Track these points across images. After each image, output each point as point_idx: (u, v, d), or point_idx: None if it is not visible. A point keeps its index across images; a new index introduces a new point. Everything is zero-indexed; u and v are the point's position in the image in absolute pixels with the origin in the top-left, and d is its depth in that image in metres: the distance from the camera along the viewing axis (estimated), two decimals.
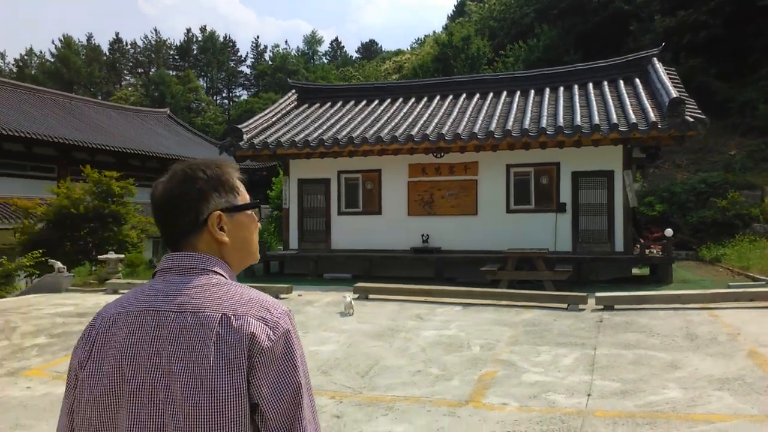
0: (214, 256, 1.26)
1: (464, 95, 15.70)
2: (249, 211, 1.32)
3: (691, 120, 11.48)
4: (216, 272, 1.23)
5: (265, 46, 79.21)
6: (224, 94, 72.45)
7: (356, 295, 10.37)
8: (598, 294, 9.21)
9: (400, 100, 16.30)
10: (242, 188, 1.33)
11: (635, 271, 13.95)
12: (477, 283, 11.30)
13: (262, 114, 16.26)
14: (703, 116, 11.64)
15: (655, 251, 13.23)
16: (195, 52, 70.13)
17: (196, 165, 1.29)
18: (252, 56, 73.72)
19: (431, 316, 8.83)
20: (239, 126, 14.73)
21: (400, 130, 13.58)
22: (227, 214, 1.27)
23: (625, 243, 12.71)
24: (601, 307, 9.09)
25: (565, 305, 9.26)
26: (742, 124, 22.99)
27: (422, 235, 13.74)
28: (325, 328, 8.11)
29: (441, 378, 5.79)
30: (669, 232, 12.17)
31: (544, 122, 12.63)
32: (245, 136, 14.40)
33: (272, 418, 1.12)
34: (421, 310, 9.22)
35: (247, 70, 72.57)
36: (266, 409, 1.11)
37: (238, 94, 71.94)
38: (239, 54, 73.17)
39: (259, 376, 1.11)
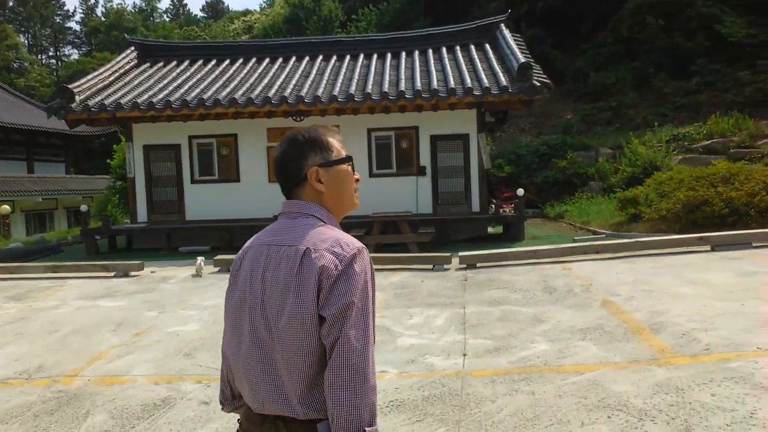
0: (314, 203, 1.56)
1: (321, 57, 15.25)
2: (345, 165, 1.58)
3: (538, 84, 12.06)
4: (313, 216, 1.53)
5: (96, 1, 71.91)
6: (51, 53, 65.10)
7: (217, 269, 9.76)
8: (461, 253, 9.45)
9: (254, 60, 15.48)
10: (337, 146, 1.59)
11: (490, 229, 14.65)
12: None
13: (97, 73, 14.61)
14: (548, 81, 12.28)
15: (507, 210, 13.95)
16: (11, 4, 61.91)
17: (298, 131, 1.59)
18: (81, 11, 66.83)
19: None
20: (70, 86, 13.11)
21: (256, 92, 12.88)
22: (323, 168, 1.55)
23: (481, 203, 13.23)
24: (465, 266, 9.34)
25: (431, 266, 9.41)
26: (575, 90, 24.91)
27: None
28: (185, 306, 7.49)
29: None
30: (520, 191, 12.83)
31: (402, 86, 12.62)
32: (78, 98, 12.85)
33: (326, 328, 1.39)
34: None
35: (77, 27, 65.69)
36: (327, 320, 1.39)
37: (67, 53, 65.03)
38: (66, 8, 66.07)
39: (324, 294, 1.40)
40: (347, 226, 12.00)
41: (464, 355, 5.15)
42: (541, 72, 12.84)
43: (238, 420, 1.60)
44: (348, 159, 1.59)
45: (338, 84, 13.09)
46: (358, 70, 14.09)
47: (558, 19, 26.54)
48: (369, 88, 12.62)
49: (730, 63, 21.88)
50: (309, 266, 1.41)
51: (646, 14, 23.42)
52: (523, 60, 12.50)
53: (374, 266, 1.55)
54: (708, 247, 9.25)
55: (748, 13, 22.67)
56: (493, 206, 13.47)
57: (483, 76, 12.76)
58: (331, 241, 1.45)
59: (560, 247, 9.43)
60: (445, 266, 9.38)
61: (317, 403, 1.42)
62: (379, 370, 4.86)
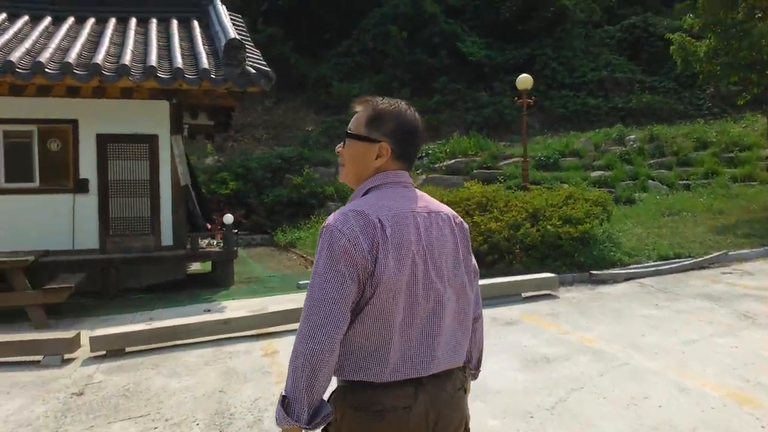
0: None
1: None
2: None
3: (253, 71, 8.70)
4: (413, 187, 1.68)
5: None
6: None
7: None
8: (94, 333, 5.47)
9: None
10: None
11: (197, 266, 10.86)
12: None
13: None
14: (268, 69, 8.98)
15: (217, 241, 10.31)
16: None
17: None
18: None
19: None
20: None
21: None
22: None
23: (175, 234, 9.31)
24: (103, 353, 5.42)
25: (40, 358, 5.30)
26: (317, 100, 22.41)
27: None
28: None
29: None
30: (229, 218, 9.25)
31: (46, 55, 8.21)
32: None
33: (475, 271, 1.73)
34: None
35: None
36: (475, 269, 1.74)
37: None
38: None
39: (470, 249, 1.72)
40: None
41: None
42: (261, 58, 9.52)
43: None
44: None
45: None
46: None
47: (300, 21, 23.93)
48: None
49: (470, 83, 21.36)
50: (464, 229, 1.69)
51: (390, 25, 21.94)
52: (233, 36, 9.03)
53: None
54: None
55: (486, 35, 22.57)
56: (190, 239, 9.62)
57: (178, 56, 8.98)
58: (452, 211, 1.71)
59: (264, 312, 6.01)
60: (66, 356, 5.35)
61: None
62: None
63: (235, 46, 8.75)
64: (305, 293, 1.59)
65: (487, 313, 6.25)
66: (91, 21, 10.47)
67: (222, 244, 9.47)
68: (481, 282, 7.02)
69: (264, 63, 9.25)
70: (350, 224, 1.46)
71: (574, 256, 7.72)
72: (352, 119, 1.67)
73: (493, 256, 7.80)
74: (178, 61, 8.74)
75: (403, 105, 1.65)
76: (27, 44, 8.72)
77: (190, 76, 8.44)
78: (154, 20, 10.87)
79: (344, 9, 24.24)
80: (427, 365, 1.50)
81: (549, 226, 7.79)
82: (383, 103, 1.64)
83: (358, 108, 1.66)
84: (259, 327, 5.89)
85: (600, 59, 22.33)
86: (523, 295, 6.91)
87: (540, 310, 6.34)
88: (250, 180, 15.71)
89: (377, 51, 22.57)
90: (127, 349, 5.48)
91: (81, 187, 8.86)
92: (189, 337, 5.68)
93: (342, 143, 1.67)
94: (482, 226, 7.94)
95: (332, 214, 1.52)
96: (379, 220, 1.48)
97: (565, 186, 12.27)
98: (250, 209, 15.08)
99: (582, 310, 6.30)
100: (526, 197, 8.66)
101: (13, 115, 8.66)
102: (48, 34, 9.61)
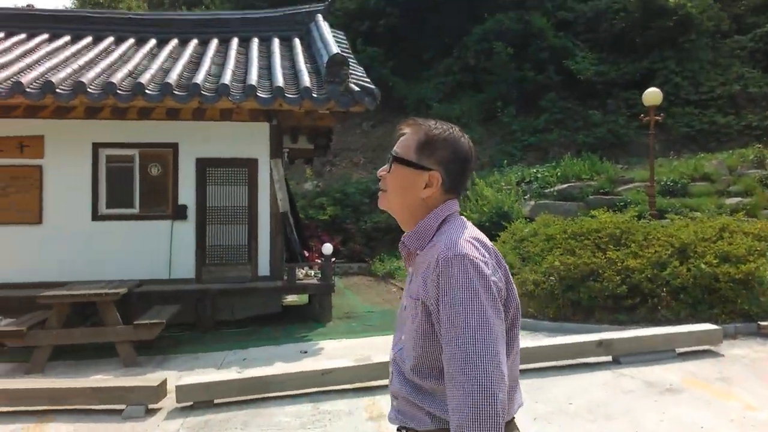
0: None
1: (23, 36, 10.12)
2: None
3: (357, 89, 8.04)
4: None
5: None
6: None
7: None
8: (181, 382, 4.86)
9: None
10: None
11: (293, 298, 10.27)
12: None
13: None
14: (373, 86, 8.31)
15: (314, 271, 9.70)
16: None
17: None
18: None
19: None
20: None
21: None
22: None
23: (273, 264, 8.76)
24: (190, 403, 4.79)
25: (122, 407, 4.75)
26: None
27: None
28: None
29: None
30: (328, 248, 8.58)
31: (146, 77, 7.97)
32: None
33: None
34: None
35: None
36: None
37: None
38: None
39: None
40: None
41: None
42: (364, 74, 8.89)
43: None
44: None
45: (39, 69, 8.13)
46: (90, 54, 9.19)
47: (400, 41, 23.47)
48: (88, 76, 7.80)
49: (581, 100, 19.91)
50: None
51: (494, 41, 20.96)
52: (336, 51, 8.45)
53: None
54: (609, 357, 5.57)
55: (599, 48, 21.10)
56: (287, 270, 9.02)
57: (279, 75, 8.52)
58: None
59: (367, 363, 5.17)
60: (150, 406, 4.76)
61: None
62: None
63: (338, 62, 8.16)
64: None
65: (637, 374, 5.09)
66: (194, 42, 10.33)
67: (320, 275, 8.81)
68: (625, 334, 5.88)
69: (368, 80, 8.60)
70: (482, 252, 1.34)
71: (736, 302, 6.35)
72: (399, 141, 1.52)
73: (634, 299, 6.58)
74: (279, 79, 8.26)
75: (457, 131, 1.50)
76: (129, 66, 8.57)
77: (291, 96, 7.91)
78: (256, 40, 10.58)
79: (445, 27, 23.55)
80: (520, 399, 1.44)
81: (703, 265, 6.47)
82: (437, 127, 1.48)
83: (407, 130, 1.52)
84: (362, 381, 5.07)
85: (730, 72, 20.15)
86: (677, 350, 5.67)
87: (705, 373, 5.10)
88: (348, 205, 15.16)
89: (480, 69, 21.61)
90: (216, 400, 4.82)
91: (180, 213, 8.53)
92: (282, 389, 4.95)
93: (386, 166, 1.52)
94: (618, 264, 6.75)
95: (454, 244, 1.33)
96: (493, 248, 1.40)
97: (698, 215, 10.75)
98: (347, 235, 14.51)
99: (761, 374, 5.00)
100: (670, 229, 7.35)
101: (116, 139, 8.50)
102: (151, 56, 9.49)
